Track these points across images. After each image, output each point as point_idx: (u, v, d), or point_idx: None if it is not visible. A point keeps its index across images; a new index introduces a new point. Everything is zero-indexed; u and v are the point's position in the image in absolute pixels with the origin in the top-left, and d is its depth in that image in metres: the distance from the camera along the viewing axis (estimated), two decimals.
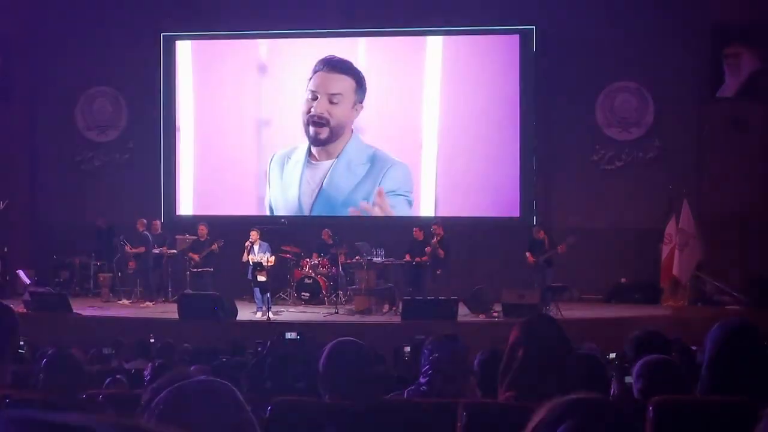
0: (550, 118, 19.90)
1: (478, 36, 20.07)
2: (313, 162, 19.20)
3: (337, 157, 18.91)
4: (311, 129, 18.84)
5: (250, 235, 17.23)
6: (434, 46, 20.22)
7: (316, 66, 19.31)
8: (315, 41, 20.35)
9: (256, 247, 17.12)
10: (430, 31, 20.19)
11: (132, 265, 19.20)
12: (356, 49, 20.12)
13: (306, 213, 19.39)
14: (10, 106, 20.89)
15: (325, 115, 18.65)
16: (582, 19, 19.69)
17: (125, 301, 18.51)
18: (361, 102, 19.10)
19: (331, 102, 18.64)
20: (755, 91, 18.67)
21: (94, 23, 20.76)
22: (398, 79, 20.03)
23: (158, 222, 19.45)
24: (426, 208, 19.69)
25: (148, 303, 18.33)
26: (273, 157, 19.75)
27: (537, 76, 19.80)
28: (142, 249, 18.78)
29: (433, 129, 19.99)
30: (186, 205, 20.72)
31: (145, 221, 18.97)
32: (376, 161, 18.78)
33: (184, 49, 20.93)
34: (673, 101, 19.53)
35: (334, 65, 19.06)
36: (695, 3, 19.08)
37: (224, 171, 20.51)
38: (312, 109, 18.55)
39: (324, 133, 18.73)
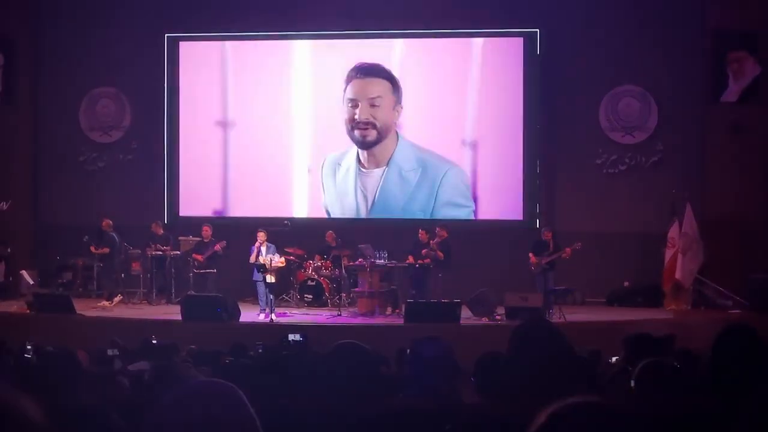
0: (553, 121, 19.91)
1: (482, 39, 20.07)
2: (363, 170, 19.13)
3: (387, 164, 18.86)
4: (357, 133, 18.81)
5: (257, 237, 17.24)
6: (439, 48, 20.26)
7: (349, 74, 19.19)
8: (318, 42, 20.46)
9: (263, 249, 17.14)
10: (434, 33, 20.22)
11: (136, 266, 19.23)
12: (361, 52, 20.14)
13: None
14: (14, 107, 20.92)
15: (370, 119, 18.69)
16: (586, 23, 19.71)
17: (116, 299, 18.49)
18: (399, 103, 19.09)
19: (372, 105, 18.70)
20: (758, 96, 18.68)
21: (98, 24, 20.79)
22: (404, 83, 20.04)
23: (158, 223, 19.47)
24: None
25: (104, 302, 18.30)
26: (324, 161, 19.60)
27: (541, 80, 19.81)
28: (106, 250, 18.85)
29: (436, 131, 19.99)
30: (189, 206, 20.72)
31: (110, 222, 19.01)
32: (427, 166, 18.70)
33: (188, 50, 20.95)
34: (677, 105, 19.55)
35: (367, 71, 19.09)
36: (698, 8, 19.09)
37: (227, 172, 20.53)
38: (356, 116, 18.58)
39: (371, 135, 18.76)
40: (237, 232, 18.59)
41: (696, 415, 4.04)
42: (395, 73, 19.77)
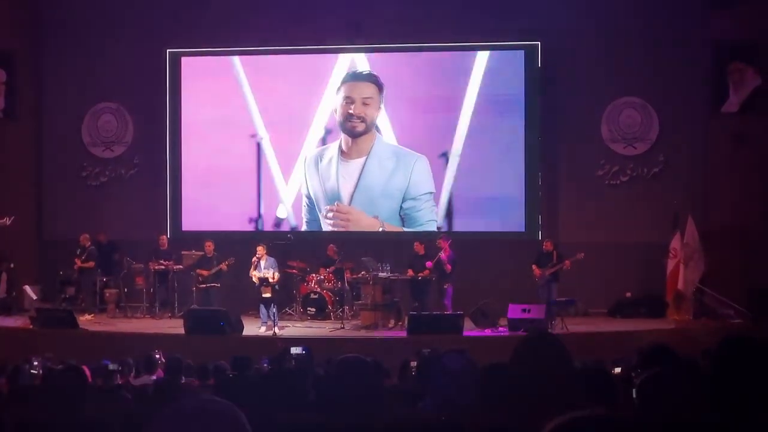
0: (555, 133, 19.93)
1: (484, 51, 20.12)
2: (346, 159, 20.38)
3: (367, 154, 20.31)
4: (349, 125, 20.35)
5: (256, 251, 17.27)
6: (440, 61, 20.34)
7: (344, 78, 20.41)
8: (320, 57, 20.55)
9: (262, 263, 17.16)
10: (436, 47, 20.30)
11: (139, 281, 19.26)
12: (362, 65, 20.32)
13: (346, 203, 20.46)
14: (16, 123, 20.96)
15: (363, 114, 20.28)
16: (586, 35, 19.75)
17: (88, 316, 18.46)
18: (382, 104, 20.37)
19: (364, 104, 20.28)
20: (759, 107, 18.70)
21: (100, 40, 20.86)
22: (400, 94, 20.15)
23: (165, 237, 19.53)
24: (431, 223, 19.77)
25: (87, 316, 18.35)
26: (306, 158, 20.56)
27: (542, 92, 19.85)
28: (91, 264, 18.96)
29: (438, 144, 20.09)
30: (192, 221, 20.75)
31: (88, 235, 19.11)
32: (400, 156, 20.32)
33: (190, 65, 21.02)
34: (678, 116, 19.58)
35: (360, 75, 20.51)
36: (699, 20, 19.13)
37: (229, 187, 20.56)
38: (351, 111, 20.28)
39: (361, 127, 20.33)
40: (239, 247, 18.60)
41: (697, 426, 4.05)
42: (397, 84, 20.13)
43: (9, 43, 20.71)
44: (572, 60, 19.84)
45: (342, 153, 20.40)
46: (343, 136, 20.35)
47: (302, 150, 20.55)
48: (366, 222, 20.17)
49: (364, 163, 20.34)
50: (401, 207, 20.19)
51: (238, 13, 20.42)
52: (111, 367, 10.97)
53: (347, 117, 20.29)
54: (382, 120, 20.37)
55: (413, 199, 20.14)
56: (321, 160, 20.53)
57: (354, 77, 20.45)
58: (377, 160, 20.30)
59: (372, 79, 20.33)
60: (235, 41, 20.54)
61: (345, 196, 20.35)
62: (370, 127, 20.33)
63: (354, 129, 20.28)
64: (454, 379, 4.96)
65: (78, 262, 19.02)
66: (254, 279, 17.08)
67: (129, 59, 20.75)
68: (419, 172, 20.15)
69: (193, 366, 11.02)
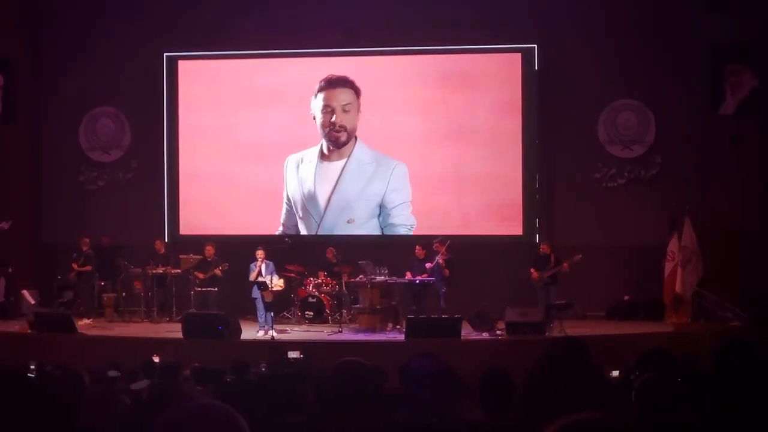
0: (552, 136, 19.94)
1: (481, 54, 20.15)
2: (325, 162, 20.48)
3: (347, 157, 20.36)
4: (333, 136, 20.36)
5: (256, 255, 17.27)
6: (437, 64, 20.35)
7: (319, 85, 20.23)
8: (317, 60, 20.54)
9: (263, 267, 17.16)
10: (433, 49, 20.30)
11: (138, 285, 19.26)
12: (357, 67, 20.39)
13: (322, 205, 20.47)
14: (13, 127, 20.93)
15: (344, 123, 20.31)
16: (583, 38, 19.77)
17: (87, 321, 18.52)
18: (359, 108, 20.35)
19: (344, 111, 20.32)
20: (756, 108, 18.69)
21: (97, 44, 20.86)
22: (397, 98, 20.16)
23: (162, 241, 19.52)
24: (428, 226, 19.71)
25: (86, 320, 18.43)
26: (288, 160, 20.54)
27: (539, 95, 19.87)
28: (88, 267, 19.04)
29: (435, 147, 20.11)
30: (189, 225, 20.76)
31: (88, 240, 19.14)
32: (380, 161, 20.32)
33: (187, 69, 21.03)
34: (675, 118, 19.59)
35: (336, 82, 20.36)
36: (695, 22, 19.13)
37: (228, 190, 20.57)
38: (333, 120, 20.30)
39: (343, 137, 20.37)
40: (237, 251, 18.60)
41: (696, 429, 4.06)
42: (392, 88, 20.21)
43: (6, 48, 20.67)
44: (569, 63, 19.85)
45: (322, 155, 20.47)
46: (324, 141, 20.44)
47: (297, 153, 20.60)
48: None
49: (344, 166, 20.40)
50: (378, 211, 20.20)
51: (235, 17, 20.40)
52: (111, 373, 10.96)
53: (330, 127, 20.32)
54: (373, 124, 20.24)
55: (390, 205, 20.18)
56: (302, 162, 20.57)
57: (330, 84, 20.41)
58: (356, 164, 20.36)
59: (348, 84, 20.33)
60: (232, 45, 20.54)
61: (322, 198, 20.42)
62: (352, 135, 20.37)
63: (338, 140, 20.36)
64: (425, 384, 4.94)
65: (75, 266, 19.03)
66: (261, 280, 17.09)
67: (126, 63, 20.75)
68: (398, 178, 20.18)
69: (192, 370, 11.02)
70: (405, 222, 20.20)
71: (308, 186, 20.50)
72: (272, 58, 20.84)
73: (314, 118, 20.36)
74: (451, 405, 4.92)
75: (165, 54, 20.81)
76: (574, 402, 3.77)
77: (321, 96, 20.28)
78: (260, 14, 20.40)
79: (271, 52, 20.71)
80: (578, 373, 3.94)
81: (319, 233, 20.35)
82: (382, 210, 20.24)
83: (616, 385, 6.81)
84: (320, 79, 20.30)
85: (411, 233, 19.98)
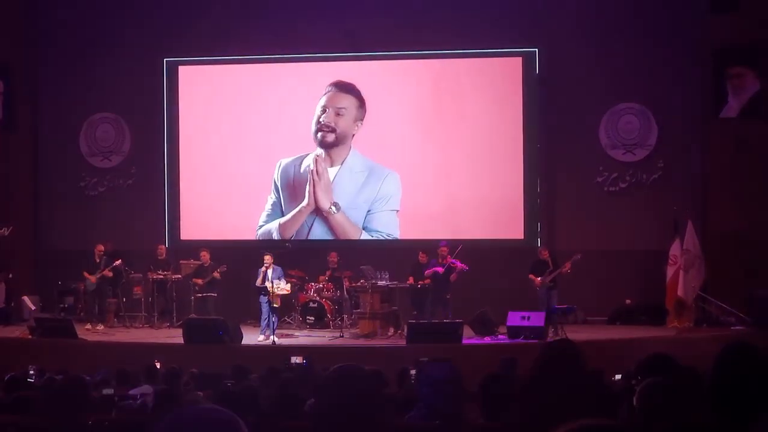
0: (553, 140, 19.93)
1: (482, 58, 20.15)
2: None
3: (341, 164, 20.38)
4: (319, 134, 20.37)
5: (263, 260, 17.26)
6: (438, 68, 20.34)
7: (326, 88, 20.34)
8: (317, 65, 20.55)
9: (270, 272, 17.16)
10: (434, 54, 20.31)
11: (138, 290, 19.24)
12: (359, 72, 20.38)
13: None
14: (14, 133, 20.95)
15: (332, 123, 20.35)
16: (585, 41, 19.76)
17: (100, 326, 18.51)
18: (361, 120, 20.34)
19: (337, 114, 20.40)
20: (758, 112, 18.65)
21: (97, 50, 20.85)
22: (400, 102, 20.17)
23: (163, 247, 19.51)
24: (429, 231, 19.67)
25: (99, 326, 18.44)
26: (280, 165, 20.50)
27: (540, 98, 19.86)
28: (109, 273, 18.92)
29: (437, 151, 20.10)
30: (190, 230, 20.75)
31: (102, 247, 18.98)
32: (373, 170, 20.33)
33: (187, 74, 21.03)
34: (677, 122, 19.57)
35: (341, 87, 20.43)
36: (697, 24, 19.12)
37: (228, 196, 20.56)
38: (321, 119, 20.35)
39: (330, 138, 20.36)
40: (237, 256, 18.58)
41: None
42: (392, 92, 20.23)
43: (6, 54, 20.70)
44: (570, 66, 19.84)
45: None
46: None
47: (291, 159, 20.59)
48: (348, 226, 20.28)
49: (336, 174, 20.41)
50: (365, 216, 20.27)
51: (235, 23, 20.42)
52: (105, 391, 10.92)
53: (318, 125, 20.37)
54: (373, 129, 20.21)
55: (374, 210, 20.21)
56: (297, 168, 20.47)
57: (335, 87, 20.47)
58: (349, 172, 20.38)
59: (351, 90, 20.38)
60: (233, 50, 20.54)
61: (313, 204, 20.45)
62: (342, 139, 20.35)
63: (323, 139, 20.38)
64: (438, 389, 4.94)
65: (105, 272, 18.77)
66: (269, 289, 17.03)
67: (126, 69, 20.74)
68: (388, 186, 20.21)
69: (193, 375, 11.00)
70: (383, 229, 20.19)
71: (300, 192, 20.45)
72: (272, 63, 20.82)
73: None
74: (460, 411, 4.92)
75: (165, 59, 20.82)
76: (572, 406, 3.74)
77: (324, 97, 20.35)
78: (260, 20, 20.41)
79: (272, 57, 20.71)
80: (572, 376, 3.91)
81: (309, 238, 20.31)
82: (367, 214, 20.27)
83: (618, 390, 6.77)
84: (326, 84, 20.35)
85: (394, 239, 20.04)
